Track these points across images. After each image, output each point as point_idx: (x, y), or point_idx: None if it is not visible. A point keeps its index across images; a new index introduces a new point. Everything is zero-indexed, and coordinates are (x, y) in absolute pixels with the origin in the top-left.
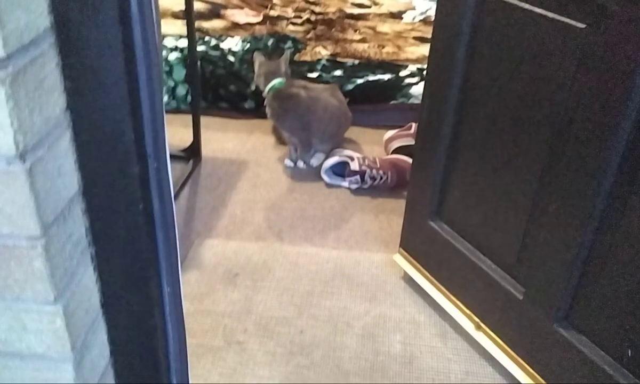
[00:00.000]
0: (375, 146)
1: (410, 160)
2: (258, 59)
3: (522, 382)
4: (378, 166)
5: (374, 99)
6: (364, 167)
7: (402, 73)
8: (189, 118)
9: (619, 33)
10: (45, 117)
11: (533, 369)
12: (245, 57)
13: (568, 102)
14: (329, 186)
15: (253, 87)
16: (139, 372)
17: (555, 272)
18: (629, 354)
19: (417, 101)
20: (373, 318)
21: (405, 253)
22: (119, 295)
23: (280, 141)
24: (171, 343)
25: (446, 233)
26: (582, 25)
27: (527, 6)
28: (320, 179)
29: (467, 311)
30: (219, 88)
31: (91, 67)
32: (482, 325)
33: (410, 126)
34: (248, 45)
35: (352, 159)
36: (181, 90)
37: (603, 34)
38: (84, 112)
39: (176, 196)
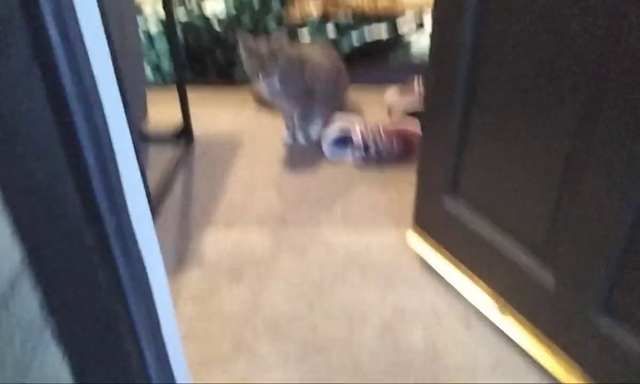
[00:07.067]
0: (377, 107)
1: (416, 126)
2: (243, 41)
3: (554, 373)
4: (382, 135)
5: (371, 56)
6: (367, 138)
7: (400, 26)
8: (177, 94)
9: None
10: None
11: (567, 359)
12: (231, 24)
13: (603, 60)
14: (331, 159)
15: None
16: None
17: (591, 255)
18: None
19: (418, 54)
20: (390, 307)
21: (419, 232)
22: (94, 373)
23: (264, 105)
24: None
25: (463, 210)
26: None
27: None
28: (322, 152)
29: (492, 296)
30: (205, 57)
31: (6, 116)
32: (509, 312)
33: (412, 83)
34: (232, 7)
35: (354, 130)
36: (166, 64)
37: None
38: (11, 175)
39: (170, 184)
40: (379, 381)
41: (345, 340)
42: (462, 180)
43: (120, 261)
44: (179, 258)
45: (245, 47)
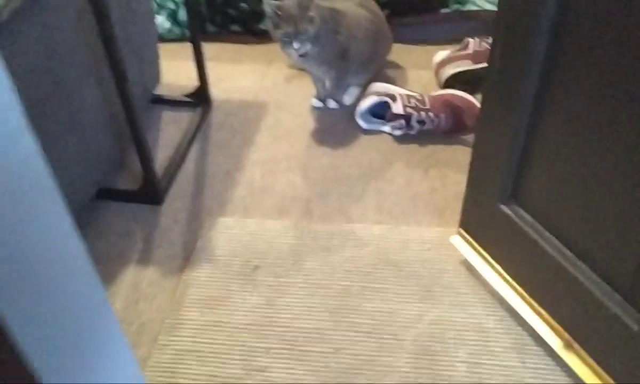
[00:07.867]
0: (423, 70)
1: (468, 97)
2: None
3: None
4: (427, 106)
5: (419, 8)
6: (409, 109)
7: None
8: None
9: None
10: None
11: None
12: None
13: None
14: (366, 132)
15: None
16: None
17: None
18: None
19: (476, 8)
20: (428, 325)
21: (467, 236)
22: None
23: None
24: None
25: (525, 223)
26: None
27: None
28: (356, 124)
29: (554, 324)
30: (228, 8)
31: None
32: (575, 345)
33: (467, 43)
34: None
35: (394, 98)
36: (184, 14)
37: None
38: None
39: (182, 160)
40: None
41: (374, 368)
42: (525, 188)
43: None
44: (186, 253)
45: (269, 3)
